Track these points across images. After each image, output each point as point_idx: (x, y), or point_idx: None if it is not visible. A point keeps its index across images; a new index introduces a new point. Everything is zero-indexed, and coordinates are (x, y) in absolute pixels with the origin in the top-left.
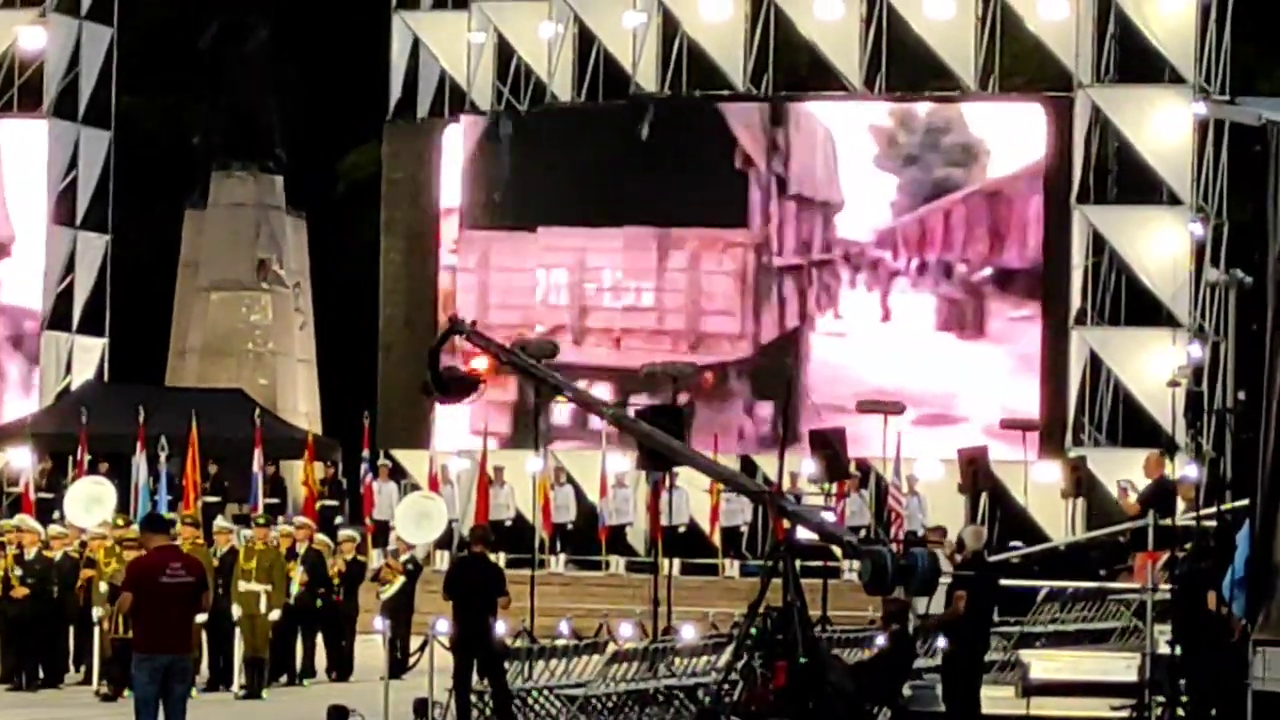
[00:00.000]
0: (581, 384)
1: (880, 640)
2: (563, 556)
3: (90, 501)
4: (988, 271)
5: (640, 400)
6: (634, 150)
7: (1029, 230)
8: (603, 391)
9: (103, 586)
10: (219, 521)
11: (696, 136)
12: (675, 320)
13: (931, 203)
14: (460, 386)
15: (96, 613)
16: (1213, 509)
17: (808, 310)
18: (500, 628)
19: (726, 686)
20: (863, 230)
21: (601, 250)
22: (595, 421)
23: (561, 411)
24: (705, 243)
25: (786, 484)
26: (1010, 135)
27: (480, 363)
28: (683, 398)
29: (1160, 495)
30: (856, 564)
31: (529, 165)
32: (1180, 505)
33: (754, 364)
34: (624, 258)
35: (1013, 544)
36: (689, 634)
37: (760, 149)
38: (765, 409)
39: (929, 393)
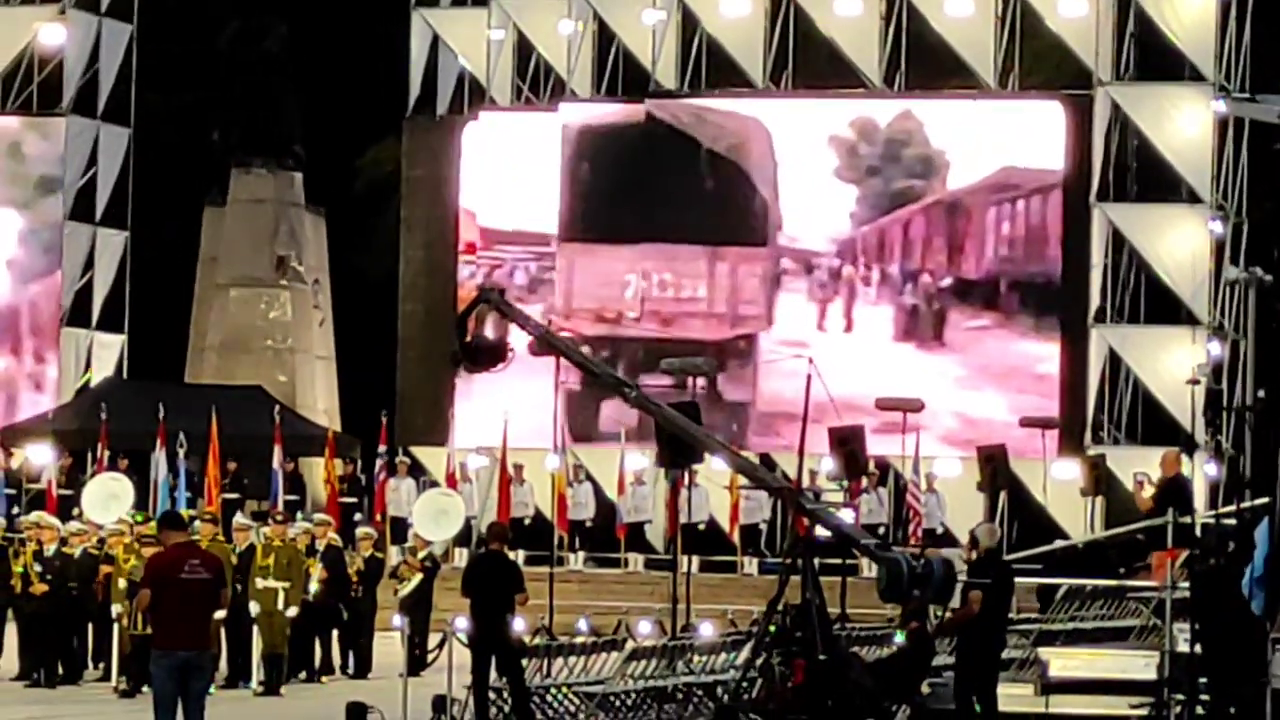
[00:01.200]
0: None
1: (899, 638)
2: (581, 554)
3: (108, 498)
4: (947, 281)
5: (657, 381)
6: (695, 191)
7: (987, 240)
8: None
9: (121, 583)
10: (238, 518)
11: (736, 184)
12: (720, 306)
13: (891, 213)
14: (489, 355)
15: (115, 609)
16: (1231, 506)
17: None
18: (518, 625)
19: (745, 684)
20: (822, 240)
21: (672, 260)
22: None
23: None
24: (741, 257)
25: (805, 480)
26: (979, 141)
27: None
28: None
29: (1175, 493)
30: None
31: (618, 187)
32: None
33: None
34: (687, 266)
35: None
36: (708, 631)
37: (772, 195)
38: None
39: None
